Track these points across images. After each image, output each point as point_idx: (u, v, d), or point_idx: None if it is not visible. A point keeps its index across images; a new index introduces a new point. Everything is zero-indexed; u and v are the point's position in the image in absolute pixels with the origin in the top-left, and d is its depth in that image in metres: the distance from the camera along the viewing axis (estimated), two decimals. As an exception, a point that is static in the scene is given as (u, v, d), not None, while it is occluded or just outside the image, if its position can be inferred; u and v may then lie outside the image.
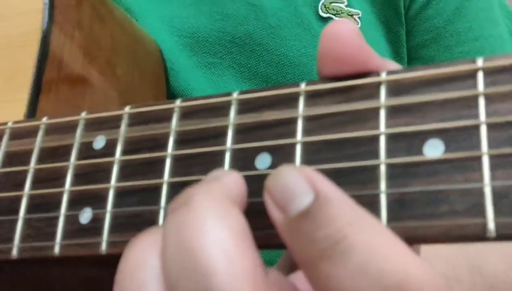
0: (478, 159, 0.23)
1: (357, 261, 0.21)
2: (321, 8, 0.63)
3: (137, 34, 0.54)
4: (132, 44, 0.52)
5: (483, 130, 0.23)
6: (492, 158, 0.23)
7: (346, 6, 0.64)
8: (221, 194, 0.24)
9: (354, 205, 0.23)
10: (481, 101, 0.24)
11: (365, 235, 0.21)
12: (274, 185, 0.24)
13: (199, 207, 0.23)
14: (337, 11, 0.63)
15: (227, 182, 0.26)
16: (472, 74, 0.24)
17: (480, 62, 0.24)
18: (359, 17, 0.64)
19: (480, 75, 0.24)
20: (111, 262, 0.39)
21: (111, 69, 0.47)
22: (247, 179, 0.28)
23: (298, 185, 0.23)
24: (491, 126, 0.23)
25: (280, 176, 0.24)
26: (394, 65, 0.28)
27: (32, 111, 0.40)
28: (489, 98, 0.24)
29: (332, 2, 0.63)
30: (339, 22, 0.26)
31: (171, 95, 0.59)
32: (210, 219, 0.23)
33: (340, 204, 0.22)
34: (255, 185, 0.28)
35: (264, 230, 0.27)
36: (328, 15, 0.63)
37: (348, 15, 0.63)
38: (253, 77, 0.61)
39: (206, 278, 0.22)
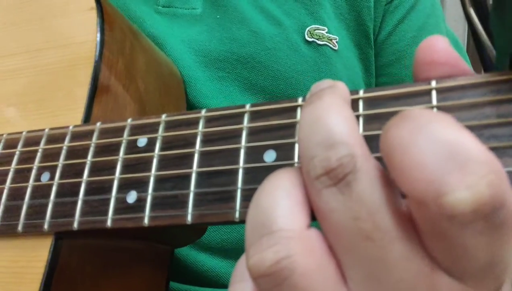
0: None
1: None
2: (307, 34, 0.64)
3: (162, 59, 0.56)
4: (159, 67, 0.54)
5: None
6: None
7: (326, 32, 0.65)
8: (339, 94, 0.25)
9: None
10: None
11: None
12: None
13: (328, 97, 0.24)
14: (319, 36, 0.64)
15: (340, 86, 0.27)
16: (428, 92, 0.26)
17: (433, 83, 0.26)
18: (336, 41, 0.65)
19: (434, 93, 0.26)
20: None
21: (145, 86, 0.49)
22: (257, 169, 0.30)
23: None
24: None
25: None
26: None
27: (87, 117, 0.41)
28: (440, 110, 0.26)
29: (315, 30, 0.65)
30: (435, 37, 0.26)
31: (188, 103, 0.61)
32: (336, 104, 0.24)
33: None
34: (264, 174, 0.29)
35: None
36: (312, 39, 0.64)
37: (328, 39, 0.65)
38: (253, 88, 0.63)
39: (329, 133, 0.22)
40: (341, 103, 0.24)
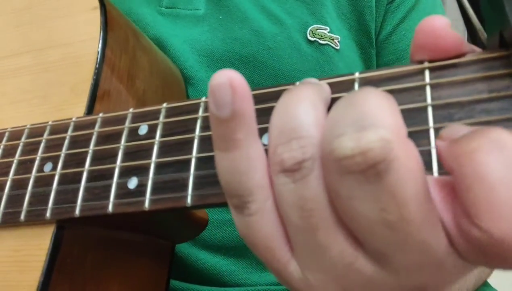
0: (427, 131, 0.26)
1: None
2: (309, 34, 0.65)
3: (163, 59, 0.57)
4: (161, 67, 0.55)
5: (429, 110, 0.26)
6: (436, 130, 0.26)
7: (328, 32, 0.65)
8: (318, 90, 0.27)
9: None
10: (428, 89, 0.26)
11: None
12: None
13: (300, 90, 0.26)
14: (321, 36, 0.65)
15: (325, 87, 0.28)
16: (421, 71, 0.27)
17: (426, 63, 0.27)
18: (338, 41, 0.66)
19: (427, 72, 0.27)
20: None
21: (147, 85, 0.50)
22: None
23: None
24: (435, 107, 0.26)
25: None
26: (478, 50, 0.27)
27: (90, 111, 0.42)
28: (433, 87, 0.26)
29: (317, 29, 0.65)
30: (434, 17, 0.25)
31: None
32: (307, 98, 0.26)
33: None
34: None
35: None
36: (314, 39, 0.65)
37: (330, 39, 0.65)
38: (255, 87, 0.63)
39: (294, 122, 0.25)
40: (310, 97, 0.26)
